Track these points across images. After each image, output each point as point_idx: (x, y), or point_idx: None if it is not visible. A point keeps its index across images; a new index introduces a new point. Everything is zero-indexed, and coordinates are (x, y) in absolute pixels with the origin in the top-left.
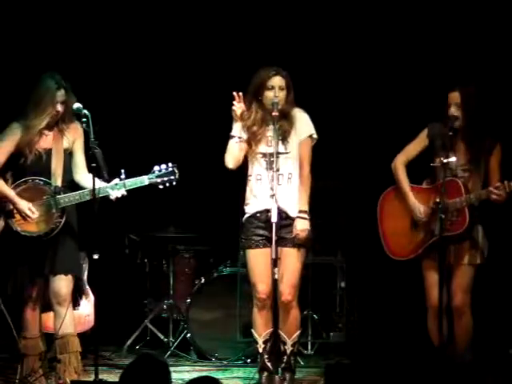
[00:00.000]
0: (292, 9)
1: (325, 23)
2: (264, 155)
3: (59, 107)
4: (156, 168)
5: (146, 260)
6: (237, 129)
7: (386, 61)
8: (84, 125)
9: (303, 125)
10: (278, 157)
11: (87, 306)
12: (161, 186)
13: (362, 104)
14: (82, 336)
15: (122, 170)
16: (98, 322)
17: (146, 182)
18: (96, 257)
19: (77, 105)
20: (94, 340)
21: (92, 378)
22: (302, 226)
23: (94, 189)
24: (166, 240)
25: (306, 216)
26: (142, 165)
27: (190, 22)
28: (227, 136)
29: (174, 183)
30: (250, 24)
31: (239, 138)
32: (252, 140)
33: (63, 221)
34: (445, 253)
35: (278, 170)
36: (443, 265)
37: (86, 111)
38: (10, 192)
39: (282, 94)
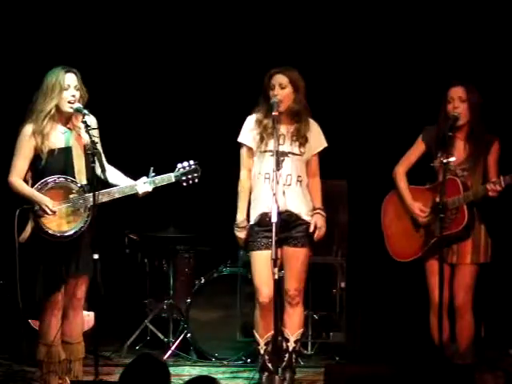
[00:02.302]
0: (295, 13)
1: (327, 28)
2: (273, 153)
3: (73, 91)
4: (179, 165)
5: (145, 260)
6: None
7: (387, 63)
8: (83, 124)
9: (318, 139)
10: (284, 157)
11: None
12: (185, 184)
13: (364, 104)
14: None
15: (151, 168)
16: (98, 321)
17: (173, 180)
18: (96, 257)
19: (77, 105)
20: (94, 340)
21: (92, 378)
22: (321, 222)
23: (94, 189)
24: (165, 240)
25: (323, 213)
26: (142, 165)
27: (201, 22)
28: (227, 136)
29: (197, 180)
30: (259, 25)
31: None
32: (264, 135)
33: (89, 220)
34: (443, 252)
35: (278, 170)
36: (442, 264)
37: (85, 111)
38: (33, 191)
39: (283, 92)
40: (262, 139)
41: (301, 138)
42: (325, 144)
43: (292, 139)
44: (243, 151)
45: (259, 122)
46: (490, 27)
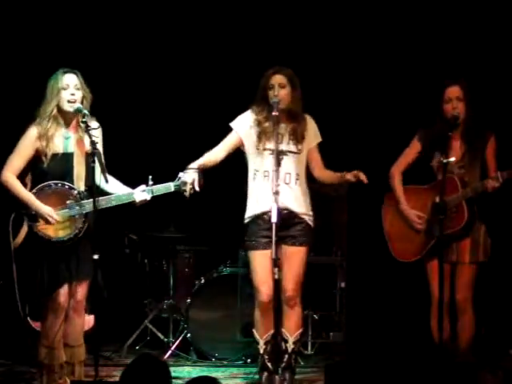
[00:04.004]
0: (294, 13)
1: (325, 28)
2: (273, 152)
3: (73, 90)
4: (181, 174)
5: (145, 260)
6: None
7: (386, 64)
8: (83, 125)
9: (313, 134)
10: (283, 156)
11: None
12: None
13: (363, 105)
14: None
15: (150, 177)
16: (98, 321)
17: (172, 189)
18: (96, 257)
19: (77, 105)
20: (94, 340)
21: (92, 378)
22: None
23: (94, 189)
24: (165, 240)
25: None
26: (142, 173)
27: (199, 27)
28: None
29: (198, 190)
30: (256, 27)
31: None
32: (263, 135)
33: (85, 226)
34: (443, 252)
35: (277, 170)
36: (442, 264)
37: (85, 111)
38: (31, 197)
39: (283, 92)
40: (260, 139)
41: (298, 136)
42: (319, 138)
43: (290, 138)
44: (230, 134)
45: (258, 122)
46: (479, 25)
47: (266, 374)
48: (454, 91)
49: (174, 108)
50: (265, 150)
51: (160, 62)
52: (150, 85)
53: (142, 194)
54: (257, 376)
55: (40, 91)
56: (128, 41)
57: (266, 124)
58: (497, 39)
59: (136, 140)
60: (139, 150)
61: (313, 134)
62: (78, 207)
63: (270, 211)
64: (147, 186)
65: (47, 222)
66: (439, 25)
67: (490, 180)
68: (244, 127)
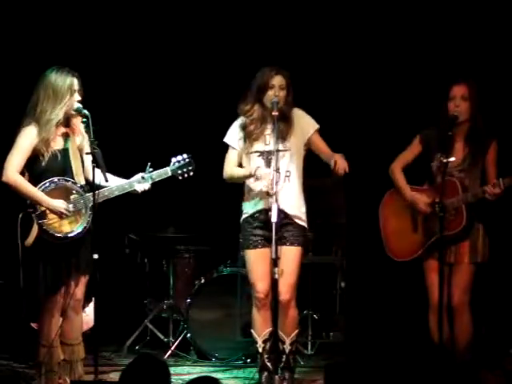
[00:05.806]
0: (292, 8)
1: (325, 24)
2: (261, 153)
3: (78, 96)
4: (174, 159)
5: (145, 260)
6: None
7: (385, 61)
8: (84, 125)
9: (306, 123)
10: (271, 156)
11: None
12: (180, 178)
13: (363, 102)
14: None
15: (149, 164)
16: (98, 322)
17: (170, 174)
18: (95, 257)
19: (76, 105)
20: (94, 340)
21: (92, 378)
22: (340, 156)
23: (94, 189)
24: (165, 240)
25: None
26: (136, 161)
27: (194, 22)
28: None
29: (192, 174)
30: (252, 24)
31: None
32: (248, 138)
33: (91, 219)
34: (444, 252)
35: (278, 170)
36: (443, 264)
37: (85, 111)
38: (41, 194)
39: (282, 94)
40: (246, 142)
41: (281, 133)
42: (315, 126)
43: (277, 137)
44: (229, 151)
45: (244, 126)
46: (488, 27)
47: (265, 373)
48: (459, 89)
49: (165, 97)
50: (252, 152)
51: (151, 50)
52: (142, 72)
53: (142, 181)
54: (257, 375)
55: (26, 88)
56: (123, 30)
57: (251, 127)
58: (507, 41)
59: (127, 129)
60: (130, 138)
61: (307, 124)
62: (82, 201)
63: (262, 210)
64: (146, 173)
65: (61, 215)
66: (448, 22)
67: (490, 186)
68: (235, 138)
